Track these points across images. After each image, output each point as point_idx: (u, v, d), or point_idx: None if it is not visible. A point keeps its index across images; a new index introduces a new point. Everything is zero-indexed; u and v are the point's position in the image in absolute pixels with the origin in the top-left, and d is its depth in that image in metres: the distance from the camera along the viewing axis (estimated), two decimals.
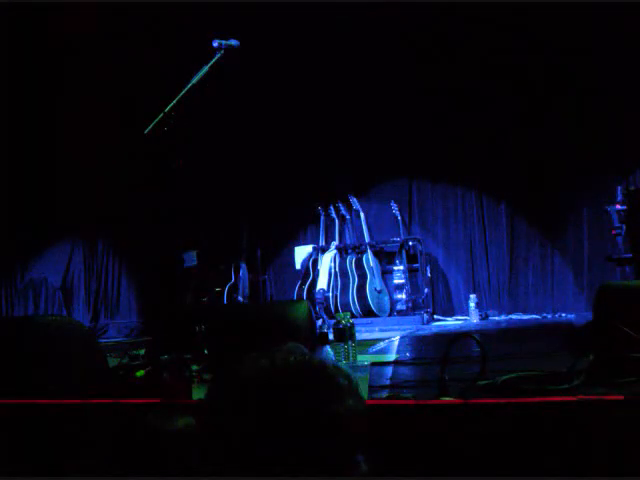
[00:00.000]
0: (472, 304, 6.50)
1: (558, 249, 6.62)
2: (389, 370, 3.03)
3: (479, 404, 1.80)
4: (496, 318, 6.55)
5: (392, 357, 3.67)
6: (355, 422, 0.99)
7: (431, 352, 3.98)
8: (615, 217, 5.60)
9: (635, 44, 5.67)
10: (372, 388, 2.37)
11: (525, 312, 6.58)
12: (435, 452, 1.77)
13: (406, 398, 2.00)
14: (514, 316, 6.53)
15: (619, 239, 5.60)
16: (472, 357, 2.90)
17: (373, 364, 2.93)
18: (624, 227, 5.42)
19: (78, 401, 2.18)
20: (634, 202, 4.71)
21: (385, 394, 2.25)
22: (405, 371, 3.08)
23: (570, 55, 6.14)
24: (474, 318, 6.44)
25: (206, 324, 3.24)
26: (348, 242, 7.28)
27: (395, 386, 2.52)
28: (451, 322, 6.65)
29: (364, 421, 1.02)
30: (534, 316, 6.40)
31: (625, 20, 5.63)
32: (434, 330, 5.78)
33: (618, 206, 5.57)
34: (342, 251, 7.22)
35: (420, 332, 5.61)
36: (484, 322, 6.35)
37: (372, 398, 2.17)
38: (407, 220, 7.23)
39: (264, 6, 6.04)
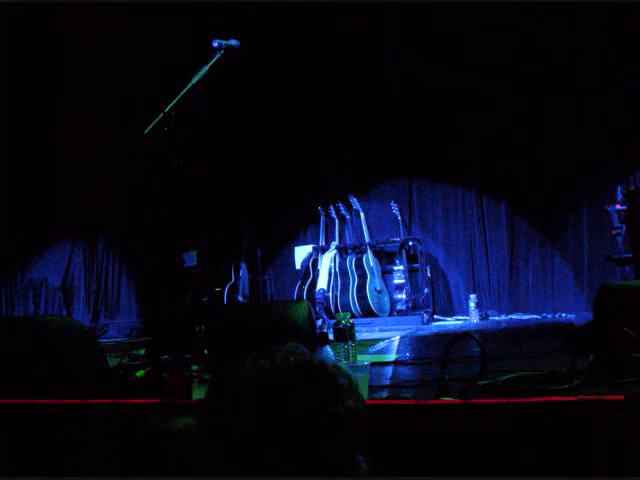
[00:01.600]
0: (472, 304, 6.49)
1: (558, 249, 6.61)
2: (389, 370, 3.03)
3: (479, 404, 1.80)
4: (496, 318, 6.53)
5: (392, 357, 3.67)
6: (355, 422, 0.99)
7: (431, 352, 3.98)
8: (615, 217, 5.61)
9: (635, 44, 5.67)
10: (372, 388, 2.37)
11: (525, 312, 6.57)
12: (435, 452, 1.77)
13: (406, 398, 2.00)
14: (514, 316, 6.52)
15: (619, 239, 5.61)
16: (472, 357, 2.90)
17: (373, 364, 2.93)
18: (624, 227, 5.43)
19: (78, 401, 2.18)
20: (634, 202, 4.71)
21: (385, 394, 2.25)
22: (405, 371, 3.08)
23: (570, 55, 6.14)
24: (474, 318, 6.43)
25: (206, 324, 3.24)
26: (348, 242, 7.28)
27: (395, 386, 2.52)
28: (451, 322, 6.64)
29: (364, 421, 1.02)
30: (534, 316, 6.39)
31: (625, 19, 5.63)
32: (434, 330, 5.78)
33: (618, 206, 5.58)
34: (342, 251, 7.22)
35: (420, 332, 5.60)
36: (484, 322, 6.34)
37: (372, 398, 2.17)
38: (407, 220, 7.22)
39: (264, 6, 6.04)
